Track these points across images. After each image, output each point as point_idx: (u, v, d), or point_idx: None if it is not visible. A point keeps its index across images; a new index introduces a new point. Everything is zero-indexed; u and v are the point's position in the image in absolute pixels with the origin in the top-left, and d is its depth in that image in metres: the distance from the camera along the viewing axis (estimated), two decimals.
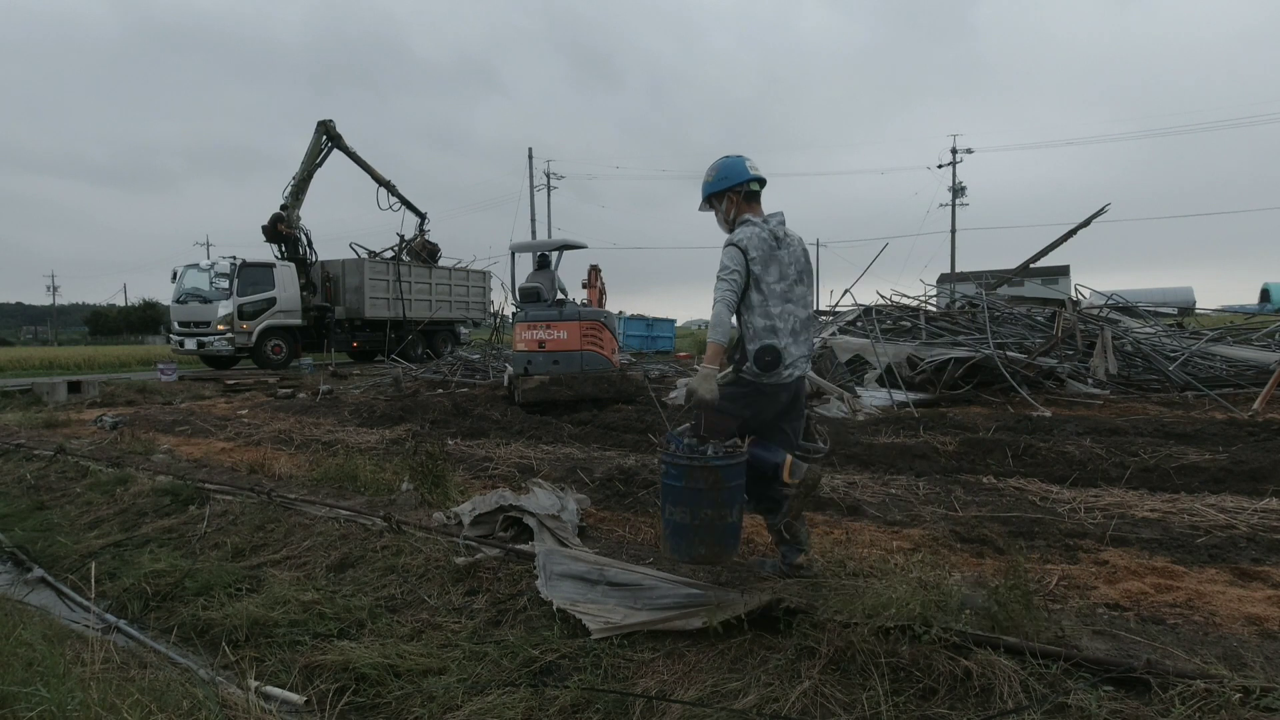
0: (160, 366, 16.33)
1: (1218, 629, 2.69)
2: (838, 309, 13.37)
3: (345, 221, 32.06)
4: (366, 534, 4.25)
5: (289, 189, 18.90)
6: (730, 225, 3.26)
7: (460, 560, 3.69)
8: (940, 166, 42.79)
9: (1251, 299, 43.62)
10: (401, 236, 21.32)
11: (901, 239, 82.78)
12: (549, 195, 44.26)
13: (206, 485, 5.58)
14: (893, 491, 4.87)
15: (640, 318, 29.50)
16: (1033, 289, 21.63)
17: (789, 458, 3.08)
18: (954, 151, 42.28)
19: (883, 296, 13.02)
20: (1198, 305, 20.43)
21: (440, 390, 11.87)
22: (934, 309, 12.65)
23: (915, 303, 12.59)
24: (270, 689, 2.84)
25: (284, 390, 13.26)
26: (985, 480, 5.10)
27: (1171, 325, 12.20)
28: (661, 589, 3.15)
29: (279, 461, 6.25)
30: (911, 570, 2.75)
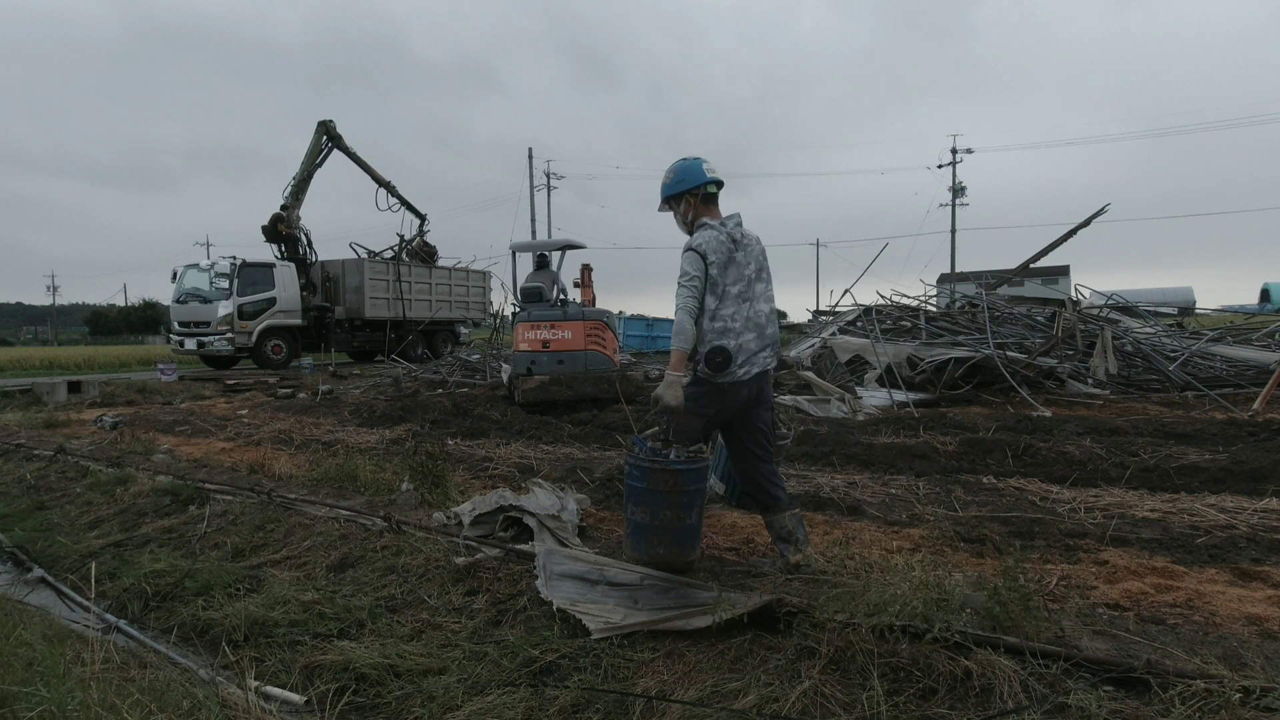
0: (160, 366, 16.33)
1: (1218, 629, 2.69)
2: (838, 309, 13.38)
3: (345, 221, 32.06)
4: (366, 534, 4.25)
5: (289, 189, 18.90)
6: (689, 227, 3.34)
7: (460, 560, 3.69)
8: (940, 166, 42.85)
9: (1251, 299, 43.63)
10: (401, 236, 21.32)
11: (901, 239, 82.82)
12: (549, 195, 44.32)
13: (206, 485, 5.58)
14: (893, 491, 4.87)
15: (640, 318, 29.51)
16: (1033, 289, 21.63)
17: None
18: (954, 151, 42.34)
19: (883, 296, 13.03)
20: (1198, 305, 20.42)
21: (440, 390, 11.87)
22: (934, 309, 12.65)
23: (915, 303, 12.59)
24: (270, 689, 2.84)
25: (284, 390, 13.26)
26: (985, 480, 5.10)
27: (1171, 325, 12.20)
28: (662, 589, 3.15)
29: (279, 461, 6.25)
30: (913, 570, 2.75)
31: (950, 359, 9.37)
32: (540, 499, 4.26)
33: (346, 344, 20.34)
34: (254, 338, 17.59)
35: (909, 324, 11.47)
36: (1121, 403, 8.51)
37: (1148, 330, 11.42)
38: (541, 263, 10.31)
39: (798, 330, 15.04)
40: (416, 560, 3.82)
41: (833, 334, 11.55)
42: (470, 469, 5.95)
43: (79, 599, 3.99)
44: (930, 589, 2.59)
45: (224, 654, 3.07)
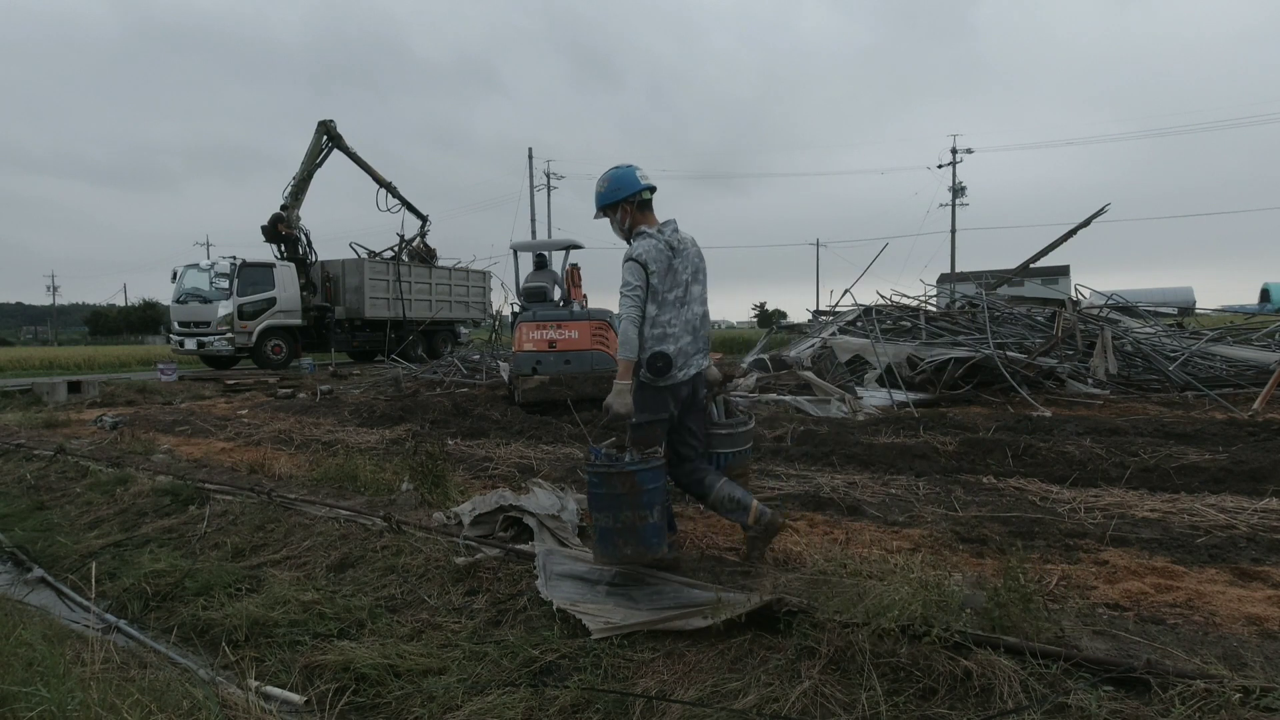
0: (160, 366, 16.33)
1: (1218, 629, 2.69)
2: (838, 309, 13.38)
3: (345, 221, 32.07)
4: (366, 534, 4.26)
5: (289, 189, 18.89)
6: (626, 234, 3.43)
7: (460, 560, 3.69)
8: (940, 166, 42.85)
9: (1251, 299, 43.65)
10: (401, 236, 21.31)
11: (901, 239, 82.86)
12: (549, 195, 44.35)
13: (206, 485, 5.58)
14: (893, 491, 4.87)
15: None
16: (1033, 289, 21.63)
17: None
18: (954, 151, 42.34)
19: (883, 296, 13.03)
20: (1198, 305, 20.43)
21: (440, 390, 11.87)
22: (934, 309, 12.65)
23: (915, 303, 12.59)
24: (270, 689, 2.84)
25: (284, 390, 13.26)
26: (985, 480, 5.10)
27: (1171, 325, 12.19)
28: (662, 589, 3.15)
29: (279, 461, 6.25)
30: (912, 570, 2.75)
31: (950, 359, 9.37)
32: (540, 499, 4.26)
33: (346, 344, 20.34)
34: (254, 338, 17.58)
35: (909, 324, 11.47)
36: (1121, 403, 8.51)
37: (1148, 330, 11.42)
38: (540, 262, 10.32)
39: (798, 330, 15.02)
40: (416, 560, 3.82)
41: (833, 334, 11.56)
42: (470, 469, 5.95)
43: (79, 599, 3.99)
44: (930, 589, 2.59)
45: (224, 654, 3.07)
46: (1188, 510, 4.20)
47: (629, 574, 3.29)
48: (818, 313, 14.30)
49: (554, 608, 3.13)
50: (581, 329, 9.04)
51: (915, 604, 2.51)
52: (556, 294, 9.87)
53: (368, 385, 13.37)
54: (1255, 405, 7.42)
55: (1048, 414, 7.58)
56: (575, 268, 10.94)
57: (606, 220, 3.52)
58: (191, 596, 3.84)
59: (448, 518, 4.23)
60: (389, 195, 20.78)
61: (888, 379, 9.44)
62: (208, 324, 17.30)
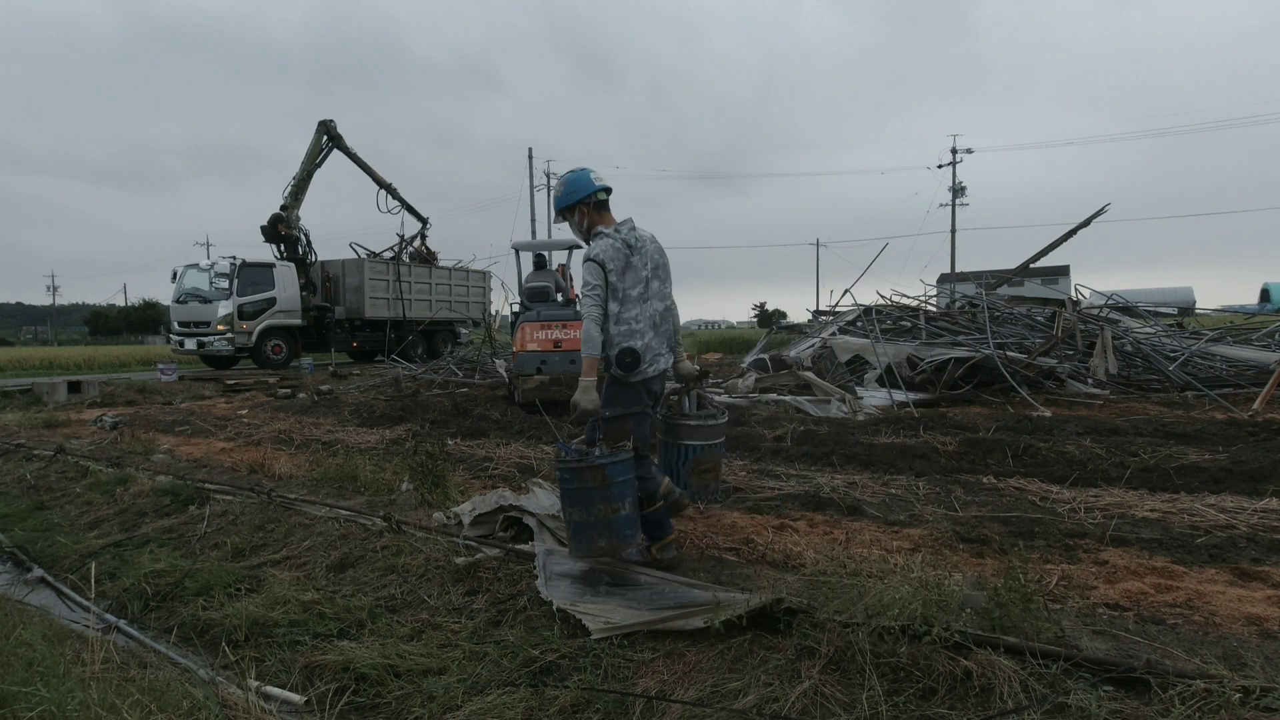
0: (160, 366, 16.32)
1: (1218, 629, 2.69)
2: (838, 309, 13.38)
3: (345, 222, 32.06)
4: (366, 534, 4.26)
5: (289, 189, 18.88)
6: (585, 234, 3.50)
7: (460, 560, 3.69)
8: (940, 166, 42.85)
9: (1251, 299, 43.64)
10: (401, 236, 21.31)
11: (901, 239, 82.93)
12: (549, 195, 44.33)
13: (206, 485, 5.58)
14: (893, 491, 4.87)
15: None
16: (1033, 289, 21.63)
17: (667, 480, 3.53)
18: (954, 151, 42.34)
19: (883, 296, 13.03)
20: (1198, 305, 20.43)
21: (440, 390, 11.87)
22: (934, 309, 12.65)
23: (915, 303, 12.59)
24: (270, 689, 2.84)
25: (284, 390, 13.26)
26: (985, 480, 5.10)
27: (1171, 325, 12.19)
28: (662, 589, 3.15)
29: (279, 461, 6.25)
30: (912, 570, 2.75)
31: (950, 359, 9.37)
32: (540, 499, 4.26)
33: (346, 344, 20.32)
34: (254, 338, 17.58)
35: (909, 324, 11.47)
36: (1121, 403, 8.51)
37: (1148, 330, 11.42)
38: (540, 262, 10.32)
39: (798, 330, 15.02)
40: (416, 560, 3.82)
41: (833, 334, 11.56)
42: (470, 469, 5.95)
43: (79, 599, 3.99)
44: (930, 589, 2.59)
45: (224, 654, 3.07)
46: (1188, 510, 4.20)
47: (630, 574, 3.30)
48: (818, 313, 14.30)
49: (554, 608, 3.13)
50: None
51: (915, 604, 2.51)
52: (558, 294, 9.88)
53: (368, 385, 13.37)
54: (1255, 405, 7.42)
55: (1048, 414, 7.58)
56: (563, 267, 10.97)
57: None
58: (191, 596, 3.84)
59: (448, 518, 4.23)
60: (389, 197, 20.78)
61: (888, 379, 9.44)
62: (208, 324, 17.30)
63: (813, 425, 7.33)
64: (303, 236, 19.16)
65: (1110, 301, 12.53)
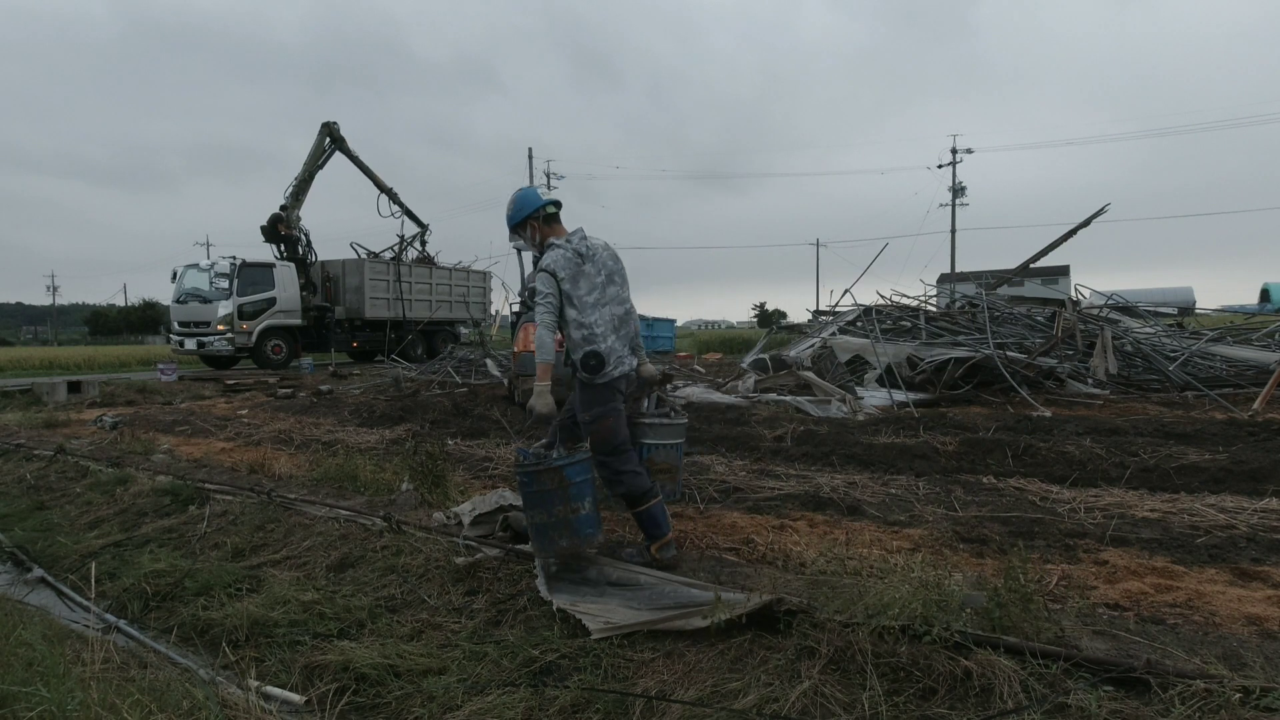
0: (160, 366, 16.32)
1: (1218, 629, 2.69)
2: (838, 309, 13.38)
3: (345, 222, 32.07)
4: (366, 534, 4.26)
5: (290, 189, 18.90)
6: (539, 247, 3.63)
7: (460, 560, 3.69)
8: (940, 166, 42.86)
9: (1251, 299, 43.64)
10: (401, 236, 21.32)
11: (901, 239, 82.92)
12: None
13: (206, 485, 5.58)
14: (893, 491, 4.87)
15: (640, 317, 29.44)
16: (1033, 289, 21.64)
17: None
18: (954, 151, 42.34)
19: (883, 296, 13.04)
20: (1198, 305, 20.43)
21: (440, 390, 11.87)
22: (934, 309, 12.65)
23: (915, 303, 12.59)
24: (270, 689, 2.84)
25: (284, 390, 13.25)
26: (985, 480, 5.10)
27: (1171, 325, 12.20)
28: (662, 589, 3.15)
29: (279, 461, 6.25)
30: (912, 570, 2.75)
31: (950, 359, 9.37)
32: None
33: (346, 344, 20.33)
34: (254, 338, 17.59)
35: (909, 324, 11.47)
36: (1121, 403, 8.51)
37: (1148, 330, 11.42)
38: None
39: (798, 330, 15.03)
40: (416, 560, 3.82)
41: (833, 334, 11.56)
42: (470, 469, 5.95)
43: (79, 599, 3.99)
44: (930, 589, 2.59)
45: (224, 654, 3.07)
46: (1188, 510, 4.20)
47: (630, 574, 3.30)
48: (818, 313, 14.30)
49: (554, 608, 3.13)
50: None
51: (915, 603, 2.51)
52: None
53: (368, 385, 13.37)
54: (1255, 405, 7.42)
55: (1048, 414, 7.58)
56: None
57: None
58: (191, 596, 3.84)
59: (448, 518, 4.23)
60: (390, 202, 20.78)
61: (888, 379, 9.44)
62: (208, 324, 17.31)
63: (813, 425, 7.33)
64: (303, 236, 19.18)
65: (1110, 301, 12.53)
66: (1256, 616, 2.75)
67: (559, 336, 3.50)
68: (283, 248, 18.92)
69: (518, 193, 3.66)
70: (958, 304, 13.95)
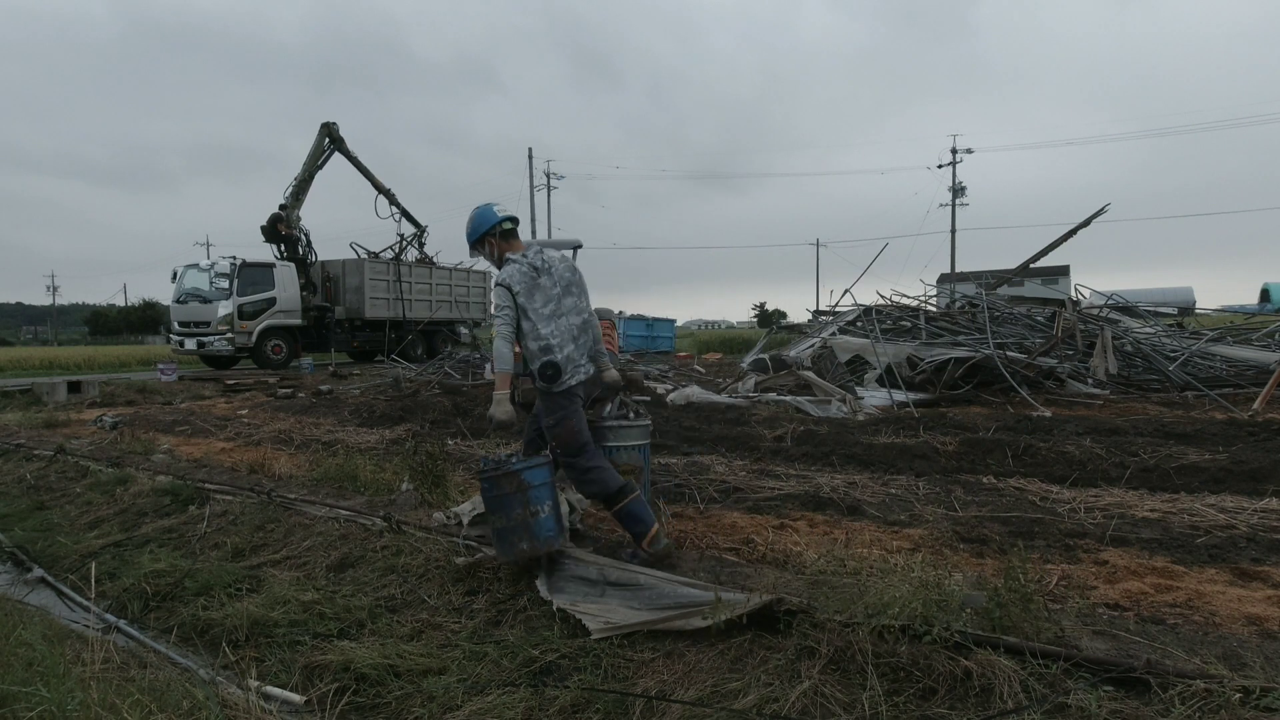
0: (160, 366, 16.33)
1: (1218, 629, 2.69)
2: (838, 309, 13.38)
3: (345, 222, 32.06)
4: (366, 534, 4.26)
5: (290, 189, 18.89)
6: (497, 262, 3.73)
7: (460, 560, 3.69)
8: (940, 166, 42.88)
9: (1251, 299, 43.63)
10: (401, 236, 21.30)
11: (901, 239, 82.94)
12: (549, 195, 44.32)
13: (206, 485, 5.58)
14: (893, 491, 4.87)
15: (640, 318, 29.47)
16: (1033, 289, 21.63)
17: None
18: (954, 151, 42.36)
19: (883, 296, 13.04)
20: (1198, 305, 20.43)
21: (439, 390, 11.87)
22: (934, 309, 12.66)
23: (915, 303, 12.59)
24: (270, 689, 2.84)
25: (284, 390, 13.26)
26: (985, 480, 5.10)
27: (1171, 325, 12.20)
28: (662, 589, 3.15)
29: (279, 461, 6.25)
30: (913, 570, 2.75)
31: (950, 359, 9.37)
32: None
33: (346, 344, 20.33)
34: (254, 338, 17.58)
35: (909, 324, 11.47)
36: (1121, 403, 8.51)
37: (1148, 330, 11.42)
38: None
39: (798, 330, 15.03)
40: (416, 560, 3.82)
41: (833, 334, 11.56)
42: (470, 469, 5.95)
43: (79, 599, 3.99)
44: (930, 589, 2.59)
45: (224, 654, 3.07)
46: (1188, 510, 4.20)
47: (630, 574, 3.29)
48: (818, 313, 14.30)
49: (554, 608, 3.13)
50: None
51: (915, 603, 2.51)
52: None
53: (368, 385, 13.37)
54: (1255, 405, 7.42)
55: (1048, 414, 7.58)
56: None
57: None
58: (191, 596, 3.84)
59: (448, 518, 4.23)
60: (388, 203, 20.78)
61: (888, 379, 9.44)
62: (208, 324, 17.30)
63: (813, 425, 7.33)
64: (303, 236, 19.17)
65: (1110, 301, 12.53)
66: (1256, 616, 2.75)
67: (517, 348, 3.60)
68: (283, 248, 18.91)
69: (475, 211, 3.77)
70: (958, 304, 13.95)
